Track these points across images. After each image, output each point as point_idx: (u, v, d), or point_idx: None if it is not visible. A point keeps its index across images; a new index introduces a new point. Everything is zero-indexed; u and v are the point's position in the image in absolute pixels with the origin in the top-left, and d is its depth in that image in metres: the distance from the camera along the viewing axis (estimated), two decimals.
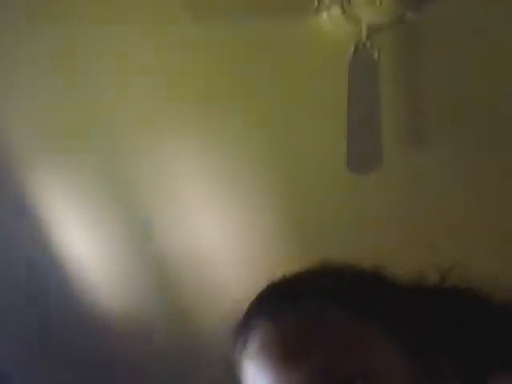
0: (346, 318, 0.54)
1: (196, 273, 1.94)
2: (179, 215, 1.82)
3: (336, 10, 1.37)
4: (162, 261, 1.92)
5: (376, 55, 1.37)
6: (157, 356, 2.08)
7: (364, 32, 1.35)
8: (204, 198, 1.79)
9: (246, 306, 0.60)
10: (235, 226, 1.85)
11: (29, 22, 1.46)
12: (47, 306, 1.99)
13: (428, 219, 1.80)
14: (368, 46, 1.36)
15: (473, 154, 1.69)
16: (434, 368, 0.54)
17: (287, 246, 1.87)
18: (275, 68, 1.53)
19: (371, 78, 1.38)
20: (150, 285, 1.97)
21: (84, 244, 1.88)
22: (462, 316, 0.57)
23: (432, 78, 1.54)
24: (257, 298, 0.60)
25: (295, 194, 1.77)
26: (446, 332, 0.55)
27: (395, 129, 1.60)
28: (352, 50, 1.36)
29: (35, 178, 1.74)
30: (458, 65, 1.53)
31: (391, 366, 0.52)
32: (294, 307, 0.55)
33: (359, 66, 1.37)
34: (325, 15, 1.40)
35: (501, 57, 1.52)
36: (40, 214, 1.81)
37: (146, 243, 1.89)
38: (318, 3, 1.31)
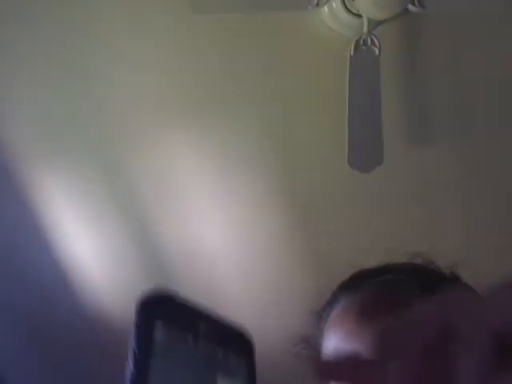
0: (421, 294, 0.58)
1: (197, 271, 1.93)
2: (180, 214, 1.81)
3: (337, 4, 1.36)
4: (163, 259, 1.91)
5: (377, 50, 1.36)
6: None
7: (365, 26, 1.33)
8: (204, 196, 1.78)
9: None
10: (236, 225, 1.84)
11: (29, 21, 1.46)
12: (47, 306, 1.99)
13: (429, 215, 1.79)
14: (369, 40, 1.35)
15: (473, 150, 1.68)
16: None
17: (287, 243, 1.86)
18: (275, 62, 1.52)
19: (372, 73, 1.37)
20: (150, 284, 1.96)
21: (84, 244, 1.88)
22: None
23: (434, 72, 1.53)
24: (341, 283, 0.67)
25: (295, 191, 1.76)
26: None
27: (396, 125, 1.60)
28: (353, 44, 1.35)
29: (35, 178, 1.73)
30: (460, 60, 1.52)
31: None
32: (373, 283, 0.61)
33: (360, 60, 1.36)
34: (326, 9, 1.39)
35: (504, 52, 1.51)
36: (40, 214, 1.80)
37: (147, 243, 1.88)
38: None
